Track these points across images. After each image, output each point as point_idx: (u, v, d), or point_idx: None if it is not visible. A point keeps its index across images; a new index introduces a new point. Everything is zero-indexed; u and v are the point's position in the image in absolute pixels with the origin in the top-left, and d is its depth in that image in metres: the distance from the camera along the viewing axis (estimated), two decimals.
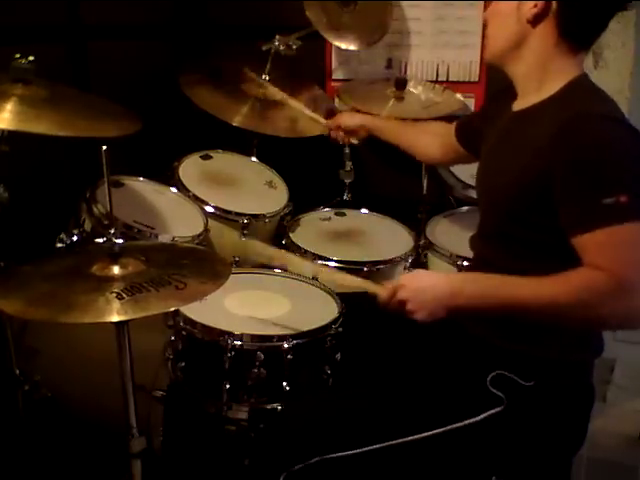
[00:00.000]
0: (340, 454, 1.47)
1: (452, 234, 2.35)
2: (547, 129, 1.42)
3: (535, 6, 1.48)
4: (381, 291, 1.53)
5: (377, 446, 1.48)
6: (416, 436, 1.49)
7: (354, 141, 2.29)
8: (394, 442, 1.48)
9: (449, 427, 1.49)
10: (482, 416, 1.50)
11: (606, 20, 1.49)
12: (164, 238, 2.05)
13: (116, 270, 1.41)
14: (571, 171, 1.39)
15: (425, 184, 2.58)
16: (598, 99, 1.49)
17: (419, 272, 1.58)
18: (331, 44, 2.74)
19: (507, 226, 1.54)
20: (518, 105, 1.59)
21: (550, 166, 1.41)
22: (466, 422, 1.49)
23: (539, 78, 1.53)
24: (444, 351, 1.60)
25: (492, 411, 1.50)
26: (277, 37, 2.56)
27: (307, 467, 1.46)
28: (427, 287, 1.47)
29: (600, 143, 1.38)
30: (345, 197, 2.66)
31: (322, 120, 2.38)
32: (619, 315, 1.37)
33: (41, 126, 1.58)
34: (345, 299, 1.84)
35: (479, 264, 1.68)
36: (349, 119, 2.28)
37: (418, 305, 1.46)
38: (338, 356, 1.74)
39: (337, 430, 1.51)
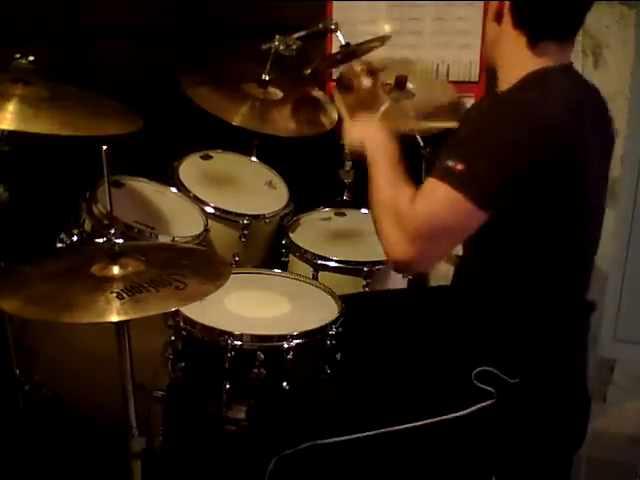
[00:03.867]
0: (330, 440, 1.48)
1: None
2: None
3: (495, 4, 1.53)
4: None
5: (367, 434, 1.49)
6: (405, 425, 1.50)
7: None
8: (384, 430, 1.49)
9: (438, 419, 1.50)
10: (472, 409, 1.50)
11: (563, 12, 1.49)
12: (164, 238, 2.05)
13: (116, 270, 1.41)
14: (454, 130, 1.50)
15: None
16: (534, 88, 1.46)
17: (374, 124, 1.74)
18: (331, 44, 2.74)
19: None
20: None
21: None
22: (454, 415, 1.50)
23: (506, 71, 1.56)
24: (435, 346, 1.61)
25: (482, 404, 1.50)
26: (277, 37, 2.56)
27: (297, 452, 1.47)
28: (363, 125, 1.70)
29: (487, 118, 1.45)
30: (345, 197, 2.66)
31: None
32: (390, 245, 1.46)
33: (42, 126, 1.58)
34: (345, 299, 1.84)
35: (464, 262, 1.69)
36: None
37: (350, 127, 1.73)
38: (338, 356, 1.74)
39: (328, 417, 1.52)
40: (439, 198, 1.41)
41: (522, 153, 1.39)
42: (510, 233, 1.47)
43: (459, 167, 1.38)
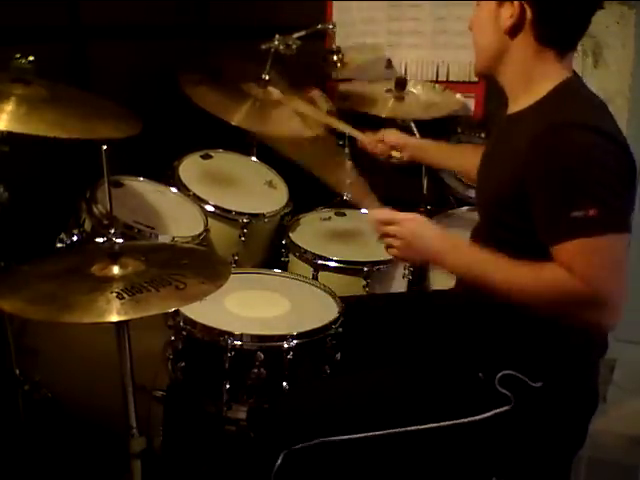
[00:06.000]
0: (342, 437, 1.48)
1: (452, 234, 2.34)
2: (526, 137, 1.42)
3: (511, 17, 1.46)
4: (362, 137, 1.63)
5: (380, 433, 1.48)
6: (418, 427, 1.49)
7: (396, 155, 2.13)
8: (397, 430, 1.49)
9: (453, 421, 1.50)
10: (489, 414, 1.50)
11: (584, 22, 1.47)
12: (164, 238, 2.05)
13: (116, 270, 1.41)
14: (542, 183, 1.39)
15: (425, 184, 2.58)
16: (579, 106, 1.47)
17: (420, 218, 1.58)
18: (331, 44, 2.75)
19: (494, 228, 1.55)
20: (511, 108, 1.59)
21: (525, 176, 1.41)
22: (472, 419, 1.50)
23: (525, 84, 1.52)
24: (453, 348, 1.60)
25: (499, 410, 1.50)
26: (277, 37, 2.56)
27: (307, 448, 1.47)
28: (422, 236, 1.53)
29: (570, 154, 1.37)
30: (345, 197, 2.66)
31: (360, 135, 2.22)
32: (584, 320, 1.40)
33: (41, 127, 1.57)
34: (345, 299, 1.84)
35: None
36: (393, 135, 2.13)
37: (403, 246, 1.53)
38: (338, 356, 1.75)
39: (341, 414, 1.52)
40: (599, 253, 1.36)
41: (623, 168, 1.40)
42: (534, 237, 1.44)
43: (592, 212, 1.34)
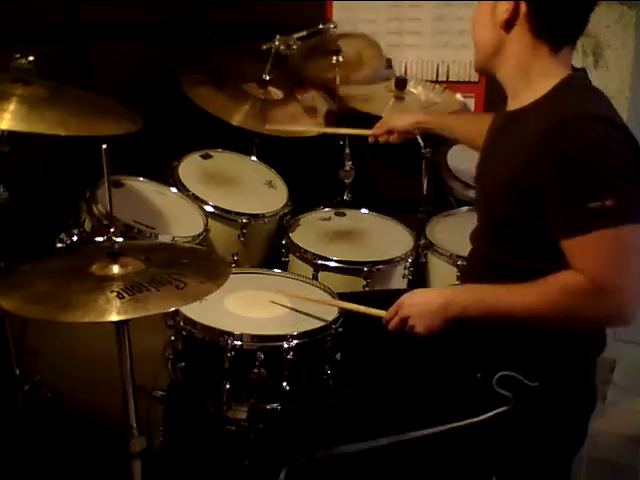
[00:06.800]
0: (343, 449, 1.47)
1: (452, 234, 2.35)
2: (534, 131, 1.42)
3: (506, 11, 1.47)
4: (382, 313, 1.62)
5: (381, 440, 1.48)
6: (420, 432, 1.49)
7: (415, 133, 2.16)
8: (398, 438, 1.48)
9: (454, 424, 1.49)
10: (489, 414, 1.50)
11: (581, 17, 1.47)
12: (164, 238, 2.05)
13: (116, 270, 1.41)
14: (556, 175, 1.38)
15: (425, 184, 2.57)
16: (587, 98, 1.47)
17: (416, 290, 1.62)
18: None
19: (500, 226, 1.54)
20: (511, 106, 1.59)
21: (537, 170, 1.40)
22: (472, 420, 1.50)
23: (525, 81, 1.52)
24: (450, 350, 1.60)
25: (498, 410, 1.50)
26: (277, 37, 2.56)
27: (309, 461, 1.46)
28: (424, 302, 1.55)
29: (584, 145, 1.36)
30: (345, 197, 2.66)
31: (368, 131, 2.23)
32: (601, 316, 1.40)
33: (42, 125, 1.57)
34: (345, 299, 1.84)
35: (475, 259, 1.68)
36: (400, 120, 2.16)
37: (418, 319, 1.54)
38: (338, 356, 1.75)
39: (340, 425, 1.51)
40: (616, 244, 1.35)
41: (635, 159, 1.39)
42: (542, 233, 1.44)
43: (608, 202, 1.33)
